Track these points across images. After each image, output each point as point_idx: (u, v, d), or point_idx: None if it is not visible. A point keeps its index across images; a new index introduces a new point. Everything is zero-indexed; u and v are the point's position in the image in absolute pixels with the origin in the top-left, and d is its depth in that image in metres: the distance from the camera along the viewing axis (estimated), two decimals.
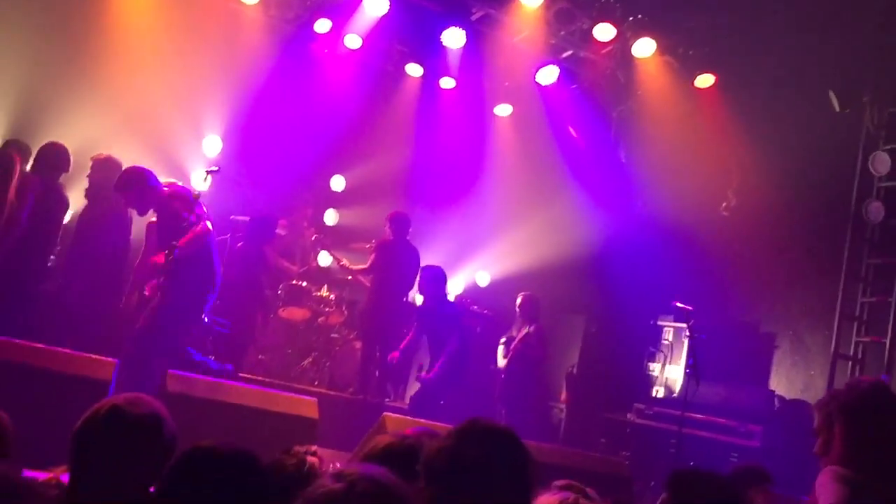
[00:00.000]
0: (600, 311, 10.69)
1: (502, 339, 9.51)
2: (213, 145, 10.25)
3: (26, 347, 5.00)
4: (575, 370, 10.68)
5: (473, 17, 9.52)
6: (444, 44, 9.62)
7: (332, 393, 8.92)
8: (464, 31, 9.38)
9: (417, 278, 8.81)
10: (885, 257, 8.11)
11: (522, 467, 2.39)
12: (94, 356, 5.21)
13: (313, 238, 10.15)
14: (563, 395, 10.65)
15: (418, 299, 11.05)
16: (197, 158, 9.83)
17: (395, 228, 8.88)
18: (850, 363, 8.19)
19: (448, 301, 8.92)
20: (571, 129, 10.57)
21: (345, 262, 9.38)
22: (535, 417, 9.47)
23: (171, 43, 9.37)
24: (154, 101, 9.32)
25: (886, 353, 7.81)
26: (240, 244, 8.67)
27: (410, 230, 9.05)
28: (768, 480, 4.78)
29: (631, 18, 9.26)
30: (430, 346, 8.57)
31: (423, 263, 9.56)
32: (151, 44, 9.27)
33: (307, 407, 5.79)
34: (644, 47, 9.36)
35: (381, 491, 1.62)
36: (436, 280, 8.48)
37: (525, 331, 9.29)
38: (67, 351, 5.18)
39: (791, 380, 9.69)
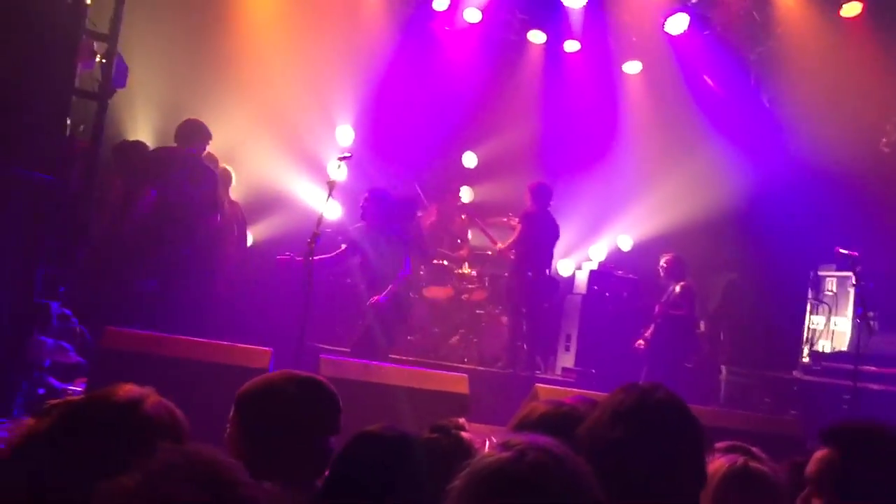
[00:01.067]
0: (754, 266, 10.19)
1: None
2: (345, 133, 10.45)
3: (185, 341, 5.24)
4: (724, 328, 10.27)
5: None
6: (564, 5, 9.35)
7: (481, 368, 8.94)
8: None
9: None
10: None
11: (696, 438, 2.20)
12: (250, 346, 5.39)
13: (463, 217, 10.13)
14: (721, 356, 10.27)
15: (561, 267, 10.91)
16: (331, 147, 10.05)
17: (537, 199, 8.74)
18: None
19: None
20: (707, 78, 10.07)
21: (499, 245, 9.30)
22: (686, 379, 9.14)
23: (296, 38, 9.61)
24: (285, 96, 9.59)
25: None
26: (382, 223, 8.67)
27: (552, 201, 8.87)
28: None
29: None
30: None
31: (561, 233, 9.43)
32: (277, 41, 9.53)
33: (458, 383, 5.80)
34: None
35: (553, 460, 1.54)
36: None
37: (670, 290, 8.99)
38: (225, 343, 5.40)
39: None
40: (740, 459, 2.40)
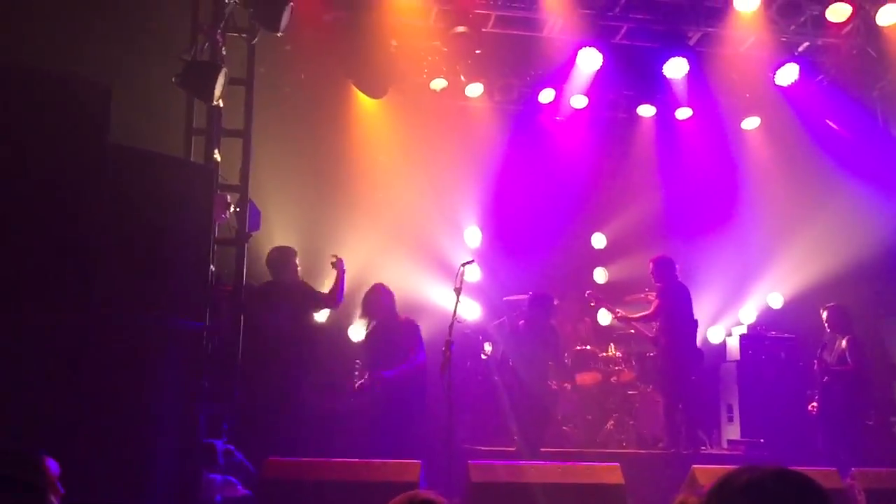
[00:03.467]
0: None
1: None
2: (473, 236, 10.73)
3: (338, 464, 5.46)
4: None
5: (691, 42, 9.19)
6: (668, 77, 9.36)
7: (642, 452, 8.70)
8: (685, 59, 9.06)
9: None
10: None
11: None
12: (400, 461, 5.54)
13: (587, 294, 10.09)
14: None
15: (711, 335, 10.57)
16: (461, 251, 10.32)
17: (662, 273, 8.62)
18: None
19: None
20: (830, 122, 9.72)
21: (620, 312, 9.19)
22: (867, 438, 8.51)
23: (416, 152, 10.08)
24: (413, 209, 10.02)
25: None
26: (521, 322, 8.82)
27: (678, 270, 8.71)
28: None
29: None
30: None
31: (707, 299, 9.22)
32: (399, 157, 10.02)
33: (611, 473, 5.70)
34: (890, 14, 8.42)
35: None
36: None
37: (837, 345, 8.49)
38: (375, 461, 5.57)
39: None
40: None
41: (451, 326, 6.27)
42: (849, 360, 8.29)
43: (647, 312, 8.71)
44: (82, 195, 5.17)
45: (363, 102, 9.83)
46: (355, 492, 5.25)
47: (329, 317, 9.68)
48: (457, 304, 6.36)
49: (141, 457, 5.08)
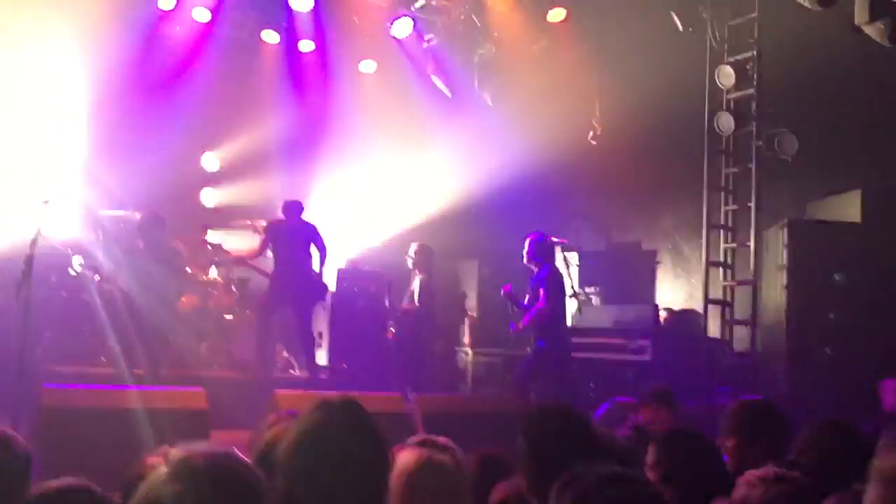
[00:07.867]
0: (491, 254, 10.90)
1: None
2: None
3: None
4: (474, 313, 10.93)
5: None
6: (293, 8, 9.42)
7: (231, 375, 8.88)
8: None
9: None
10: (741, 165, 8.42)
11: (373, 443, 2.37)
12: None
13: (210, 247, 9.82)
14: (467, 339, 10.90)
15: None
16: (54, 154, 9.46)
17: (287, 214, 8.80)
18: (721, 269, 8.58)
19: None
20: (435, 79, 10.58)
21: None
22: (433, 366, 9.65)
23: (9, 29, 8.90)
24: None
25: (752, 257, 8.20)
26: (140, 243, 8.26)
27: (302, 212, 8.90)
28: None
29: None
30: None
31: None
32: None
33: (194, 398, 5.76)
34: None
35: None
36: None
37: (413, 283, 9.45)
38: None
39: (675, 291, 10.16)
40: (425, 453, 2.64)
41: (34, 241, 5.77)
42: (416, 300, 9.31)
43: (254, 249, 8.87)
44: None
45: None
46: None
47: None
48: (43, 219, 5.88)
49: None
